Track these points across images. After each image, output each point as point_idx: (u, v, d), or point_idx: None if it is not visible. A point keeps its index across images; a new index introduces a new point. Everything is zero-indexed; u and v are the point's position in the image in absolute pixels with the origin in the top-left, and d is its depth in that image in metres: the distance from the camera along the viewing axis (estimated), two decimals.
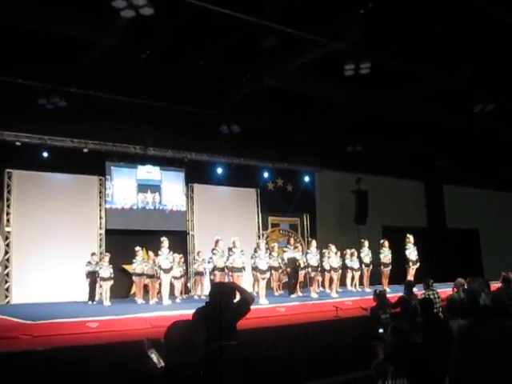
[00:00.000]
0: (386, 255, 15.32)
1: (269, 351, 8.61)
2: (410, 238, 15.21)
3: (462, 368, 2.16)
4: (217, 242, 13.32)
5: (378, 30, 11.78)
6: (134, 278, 14.01)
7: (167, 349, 2.94)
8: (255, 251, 13.94)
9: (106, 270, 13.55)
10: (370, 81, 13.47)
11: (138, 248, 14.00)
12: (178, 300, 13.61)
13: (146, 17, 9.51)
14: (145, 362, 6.81)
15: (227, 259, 12.94)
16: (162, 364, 6.66)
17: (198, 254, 15.41)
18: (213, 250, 13.43)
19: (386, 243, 15.50)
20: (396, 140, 19.05)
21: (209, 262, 13.92)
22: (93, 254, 14.07)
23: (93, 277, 13.67)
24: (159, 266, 13.04)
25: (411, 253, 15.03)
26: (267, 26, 10.58)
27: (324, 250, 15.07)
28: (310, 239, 16.15)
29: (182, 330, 2.97)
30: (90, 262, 13.79)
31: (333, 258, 14.95)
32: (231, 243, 12.97)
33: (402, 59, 12.75)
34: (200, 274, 14.98)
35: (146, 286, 13.89)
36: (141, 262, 13.80)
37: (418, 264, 14.96)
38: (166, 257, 13.18)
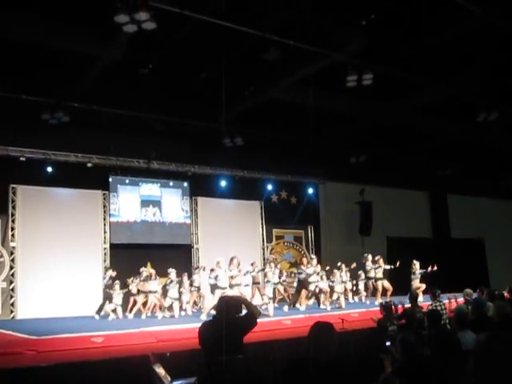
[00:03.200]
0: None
1: (275, 364, 8.55)
2: (416, 264, 15.30)
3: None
4: (218, 263, 13.33)
5: (380, 40, 11.80)
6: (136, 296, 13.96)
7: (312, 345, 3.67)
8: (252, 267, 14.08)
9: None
10: (372, 92, 13.48)
11: (142, 269, 13.98)
12: (189, 313, 13.61)
13: (149, 31, 9.54)
14: (150, 376, 6.78)
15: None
16: (168, 378, 6.63)
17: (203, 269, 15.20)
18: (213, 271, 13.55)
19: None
20: (399, 150, 19.05)
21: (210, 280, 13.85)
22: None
23: (108, 292, 13.66)
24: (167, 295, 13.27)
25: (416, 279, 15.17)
26: (269, 39, 10.62)
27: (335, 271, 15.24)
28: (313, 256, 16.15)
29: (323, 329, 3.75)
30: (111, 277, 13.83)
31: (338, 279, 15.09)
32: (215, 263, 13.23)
33: (404, 69, 12.76)
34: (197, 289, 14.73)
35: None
36: (146, 280, 13.77)
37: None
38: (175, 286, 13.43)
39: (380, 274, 15.59)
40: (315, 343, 3.68)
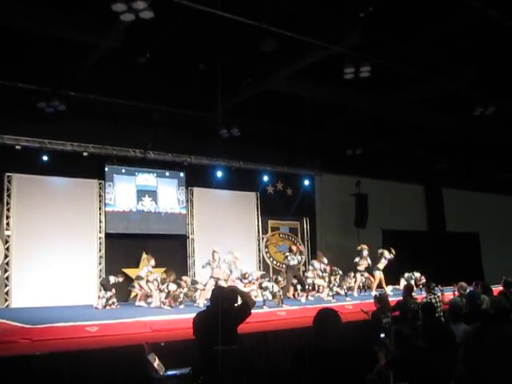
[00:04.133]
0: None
1: (269, 355, 8.58)
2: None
3: (466, 375, 2.14)
4: (213, 253, 13.34)
5: (378, 33, 11.78)
6: (139, 282, 13.90)
7: (317, 331, 3.73)
8: None
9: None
10: (369, 84, 13.46)
11: (144, 256, 13.87)
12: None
13: (146, 20, 9.50)
14: (144, 366, 6.80)
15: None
16: (162, 368, 6.65)
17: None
18: (209, 260, 13.51)
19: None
20: (396, 143, 19.05)
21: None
22: None
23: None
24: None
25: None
26: (267, 30, 10.58)
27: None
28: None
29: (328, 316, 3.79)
30: None
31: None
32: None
33: (402, 62, 12.74)
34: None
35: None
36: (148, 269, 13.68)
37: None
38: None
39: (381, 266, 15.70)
40: (320, 330, 3.66)
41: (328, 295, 14.48)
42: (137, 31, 10.90)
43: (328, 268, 15.32)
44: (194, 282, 14.24)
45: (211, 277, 13.28)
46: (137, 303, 13.62)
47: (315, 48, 11.86)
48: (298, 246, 16.57)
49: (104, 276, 14.45)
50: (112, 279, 13.59)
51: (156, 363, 6.61)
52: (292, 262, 14.73)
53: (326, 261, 15.56)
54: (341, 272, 15.83)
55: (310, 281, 14.99)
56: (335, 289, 14.88)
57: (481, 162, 21.96)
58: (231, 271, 13.62)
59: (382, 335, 7.32)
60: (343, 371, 3.47)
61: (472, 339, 2.20)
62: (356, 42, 11.81)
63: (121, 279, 13.87)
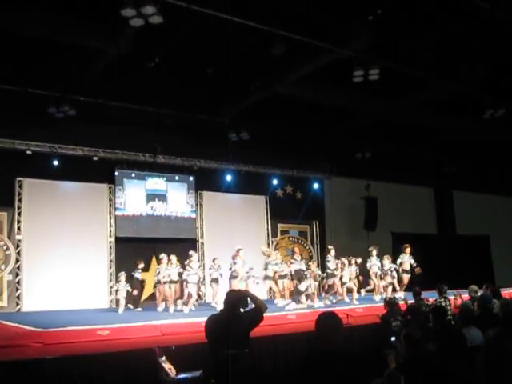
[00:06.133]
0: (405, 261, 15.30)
1: (279, 359, 8.57)
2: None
3: (487, 380, 2.14)
4: (238, 251, 13.34)
5: (387, 36, 11.77)
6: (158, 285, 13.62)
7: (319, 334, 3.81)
8: None
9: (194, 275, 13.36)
10: (379, 87, 13.45)
11: (162, 255, 13.70)
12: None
13: (155, 25, 9.56)
14: (156, 369, 6.81)
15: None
16: (174, 371, 6.66)
17: (213, 260, 14.85)
18: (234, 258, 13.47)
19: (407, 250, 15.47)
20: (405, 146, 19.02)
21: (230, 269, 13.71)
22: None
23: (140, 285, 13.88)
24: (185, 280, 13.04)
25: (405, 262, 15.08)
26: (276, 34, 10.61)
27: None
28: (329, 247, 15.74)
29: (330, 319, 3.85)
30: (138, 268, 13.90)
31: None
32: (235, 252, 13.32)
33: (411, 65, 12.73)
34: (215, 281, 14.56)
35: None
36: (165, 269, 13.53)
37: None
38: (196, 271, 13.20)
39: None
40: (321, 333, 3.74)
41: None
42: (146, 36, 10.96)
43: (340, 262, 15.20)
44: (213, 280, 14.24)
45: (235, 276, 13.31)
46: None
47: (324, 51, 11.88)
48: (300, 249, 16.57)
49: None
50: (137, 275, 13.88)
51: (167, 367, 6.63)
52: (296, 267, 14.67)
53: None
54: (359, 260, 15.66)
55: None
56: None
57: (491, 164, 21.86)
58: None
59: (393, 338, 7.31)
60: (347, 373, 3.52)
61: (493, 344, 2.20)
62: (365, 44, 11.82)
63: (142, 265, 14.10)
